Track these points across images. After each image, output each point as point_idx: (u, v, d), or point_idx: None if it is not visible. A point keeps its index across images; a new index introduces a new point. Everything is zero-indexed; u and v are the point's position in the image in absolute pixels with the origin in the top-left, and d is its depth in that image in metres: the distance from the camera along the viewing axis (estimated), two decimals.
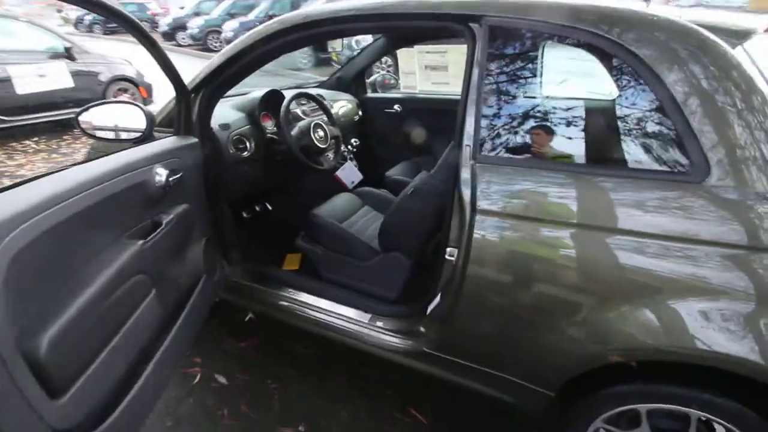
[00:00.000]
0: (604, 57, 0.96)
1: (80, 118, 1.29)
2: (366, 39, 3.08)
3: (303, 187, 2.08)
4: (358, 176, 2.14)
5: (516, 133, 1.04)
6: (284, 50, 1.39)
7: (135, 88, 5.15)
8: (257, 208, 2.04)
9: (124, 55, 5.39)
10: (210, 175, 1.49)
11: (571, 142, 1.00)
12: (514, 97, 1.05)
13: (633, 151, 0.94)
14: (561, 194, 0.97)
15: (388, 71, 3.18)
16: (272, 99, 1.87)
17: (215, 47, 11.22)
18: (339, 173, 2.04)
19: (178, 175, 1.19)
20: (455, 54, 2.24)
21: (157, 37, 13.05)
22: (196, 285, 1.34)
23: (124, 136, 1.30)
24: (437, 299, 1.28)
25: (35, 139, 4.54)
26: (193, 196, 1.36)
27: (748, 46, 0.94)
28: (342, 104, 2.35)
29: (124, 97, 5.01)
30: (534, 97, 1.05)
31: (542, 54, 1.02)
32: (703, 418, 0.94)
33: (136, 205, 1.08)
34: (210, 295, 1.43)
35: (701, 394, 0.92)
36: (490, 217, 1.03)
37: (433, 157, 2.44)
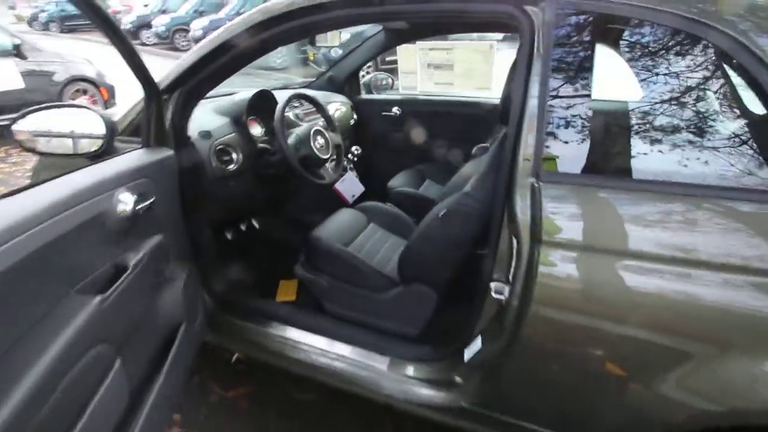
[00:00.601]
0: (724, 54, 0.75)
1: (16, 126, 0.99)
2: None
3: (297, 201, 1.81)
4: (359, 188, 1.90)
5: (602, 144, 0.83)
6: (283, 40, 1.13)
7: (95, 89, 4.70)
8: (243, 227, 1.75)
9: (84, 55, 4.93)
10: (189, 194, 1.22)
11: (685, 156, 0.79)
12: (596, 99, 0.83)
13: None
14: (672, 223, 0.76)
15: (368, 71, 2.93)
16: (261, 101, 1.59)
17: (183, 46, 10.76)
18: (338, 185, 1.79)
19: (148, 202, 0.92)
20: (463, 51, 2.03)
21: None
22: (175, 337, 1.06)
23: (76, 149, 1.02)
24: (478, 344, 1.06)
25: None
26: (169, 223, 1.09)
27: None
28: (336, 107, 2.10)
29: (82, 99, 4.55)
30: (624, 101, 0.83)
31: (635, 43, 0.81)
32: None
33: (93, 245, 0.80)
34: (193, 349, 1.15)
35: None
36: (562, 251, 0.81)
37: (437, 164, 2.23)
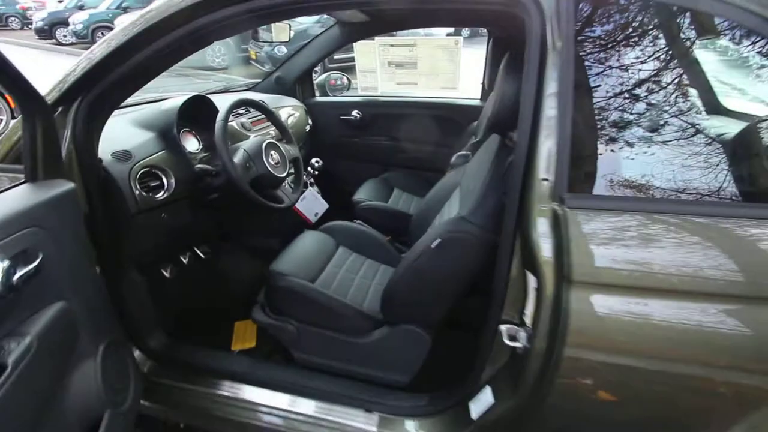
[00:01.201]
0: None
1: None
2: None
3: (251, 225, 1.54)
4: (322, 206, 1.65)
5: (650, 157, 0.66)
6: (223, 30, 0.87)
7: None
8: (184, 260, 1.45)
9: None
10: (103, 237, 0.93)
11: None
12: (648, 103, 0.67)
13: None
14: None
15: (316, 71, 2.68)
16: (197, 109, 1.30)
17: None
18: (299, 204, 1.54)
19: (31, 266, 0.63)
20: (426, 48, 1.85)
21: (30, 35, 11.09)
22: None
23: None
24: (488, 397, 0.88)
25: None
26: (75, 281, 0.80)
27: None
28: (288, 112, 1.83)
29: None
30: (685, 103, 0.67)
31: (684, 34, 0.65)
32: None
33: None
34: None
35: None
36: (600, 293, 0.65)
37: (403, 171, 2.05)
